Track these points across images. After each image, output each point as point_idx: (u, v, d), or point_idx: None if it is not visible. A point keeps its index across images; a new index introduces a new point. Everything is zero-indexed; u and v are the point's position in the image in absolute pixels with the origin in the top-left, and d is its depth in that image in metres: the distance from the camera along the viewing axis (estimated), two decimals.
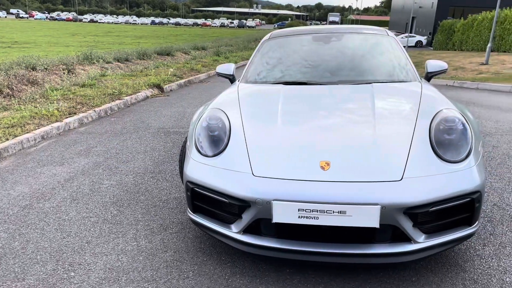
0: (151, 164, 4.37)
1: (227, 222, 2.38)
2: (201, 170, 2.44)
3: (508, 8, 21.32)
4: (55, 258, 2.59)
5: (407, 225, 2.10)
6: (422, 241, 2.15)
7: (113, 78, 9.81)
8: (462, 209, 2.22)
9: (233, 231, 2.32)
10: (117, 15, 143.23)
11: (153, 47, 17.82)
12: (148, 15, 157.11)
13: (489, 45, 15.82)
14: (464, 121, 2.44)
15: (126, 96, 7.95)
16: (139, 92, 8.48)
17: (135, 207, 3.33)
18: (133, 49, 15.89)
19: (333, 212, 2.06)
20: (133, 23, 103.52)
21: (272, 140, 2.47)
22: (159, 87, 9.40)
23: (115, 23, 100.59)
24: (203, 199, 2.45)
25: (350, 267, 2.42)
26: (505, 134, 5.53)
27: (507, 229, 2.88)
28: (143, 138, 5.43)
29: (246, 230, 2.29)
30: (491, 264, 2.46)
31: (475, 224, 2.28)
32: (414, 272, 2.39)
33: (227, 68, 3.97)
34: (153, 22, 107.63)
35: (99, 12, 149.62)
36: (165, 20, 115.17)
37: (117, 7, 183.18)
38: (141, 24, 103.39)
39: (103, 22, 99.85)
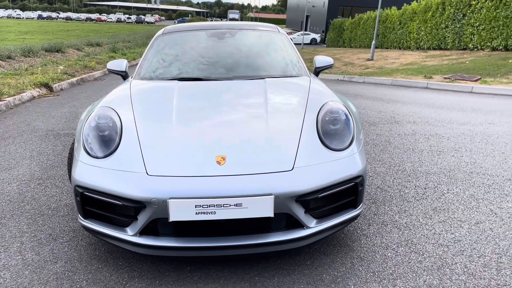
0: (38, 170, 4.01)
1: (122, 226, 2.28)
2: (91, 172, 2.30)
3: (389, 8, 23.48)
4: None
5: (299, 212, 2.21)
6: (314, 226, 2.28)
7: None
8: (347, 193, 2.39)
9: (129, 234, 2.23)
10: None
11: (41, 43, 16.39)
12: (34, 9, 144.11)
13: (373, 42, 17.29)
14: (347, 112, 2.64)
15: (8, 97, 7.20)
16: (24, 92, 7.75)
17: (20, 218, 3.03)
18: (16, 45, 14.44)
19: (230, 205, 2.08)
20: (17, 18, 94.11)
21: (167, 138, 2.42)
22: (47, 86, 8.68)
23: None
24: (95, 204, 2.32)
25: (250, 257, 2.48)
26: (387, 123, 6.09)
27: (388, 208, 3.19)
28: (29, 142, 4.96)
29: (142, 232, 2.22)
30: (375, 242, 2.69)
31: (359, 206, 2.48)
32: (308, 255, 2.52)
33: (119, 64, 3.80)
34: (40, 17, 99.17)
35: None
36: (54, 15, 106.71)
37: None
38: (26, 18, 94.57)
39: None
